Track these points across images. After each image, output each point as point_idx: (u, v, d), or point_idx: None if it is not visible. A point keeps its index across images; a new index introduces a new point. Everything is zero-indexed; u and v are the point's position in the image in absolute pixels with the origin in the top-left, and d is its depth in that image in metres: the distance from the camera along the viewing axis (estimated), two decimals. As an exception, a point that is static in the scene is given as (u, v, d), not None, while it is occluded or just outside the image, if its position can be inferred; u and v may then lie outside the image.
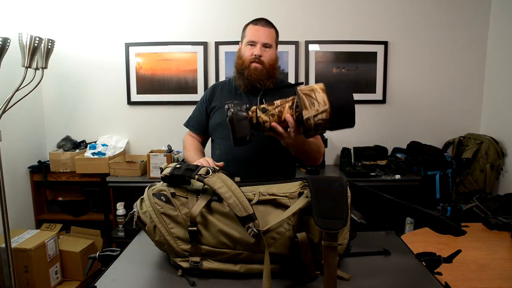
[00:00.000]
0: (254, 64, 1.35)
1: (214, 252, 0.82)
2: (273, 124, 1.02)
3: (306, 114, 0.94)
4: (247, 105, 1.05)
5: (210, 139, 1.56)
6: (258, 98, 1.06)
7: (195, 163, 1.05)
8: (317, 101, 0.94)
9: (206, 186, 0.80)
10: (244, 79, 1.37)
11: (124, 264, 0.91)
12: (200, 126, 1.51)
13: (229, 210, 0.79)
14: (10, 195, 2.28)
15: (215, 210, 0.81)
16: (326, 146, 2.41)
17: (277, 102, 1.04)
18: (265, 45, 1.37)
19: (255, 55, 1.35)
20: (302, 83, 1.07)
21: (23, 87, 2.01)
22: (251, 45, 1.37)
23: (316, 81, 2.84)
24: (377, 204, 0.98)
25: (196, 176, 0.80)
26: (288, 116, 1.00)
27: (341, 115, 0.94)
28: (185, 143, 1.52)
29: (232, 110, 1.03)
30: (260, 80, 1.36)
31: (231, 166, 1.34)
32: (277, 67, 1.42)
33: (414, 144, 2.79)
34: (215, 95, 1.49)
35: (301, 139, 1.10)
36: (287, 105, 1.02)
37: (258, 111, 1.03)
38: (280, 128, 1.02)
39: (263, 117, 1.03)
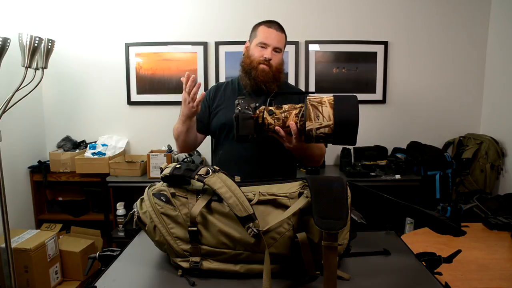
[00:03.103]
0: (262, 66, 1.35)
1: (214, 252, 0.82)
2: (277, 128, 1.05)
3: (309, 125, 0.96)
4: (256, 104, 1.07)
5: (211, 139, 1.56)
6: (268, 99, 1.08)
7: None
8: (322, 115, 0.95)
9: (206, 186, 0.80)
10: (251, 79, 1.37)
11: (124, 264, 0.91)
12: (199, 122, 1.49)
13: (229, 210, 0.79)
14: (10, 195, 2.28)
15: (215, 210, 0.81)
16: (326, 146, 2.41)
17: (285, 107, 1.06)
18: (276, 49, 1.37)
19: (265, 57, 1.35)
20: (313, 92, 1.09)
21: (23, 87, 2.01)
22: (262, 47, 1.37)
23: (316, 81, 2.85)
24: (377, 204, 0.98)
25: (196, 176, 0.80)
26: (292, 123, 1.02)
27: (344, 133, 0.95)
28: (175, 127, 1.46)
29: (239, 108, 1.06)
30: (266, 82, 1.36)
31: (234, 165, 1.35)
32: (283, 71, 1.42)
33: (414, 144, 2.79)
34: (218, 94, 1.48)
35: (303, 145, 1.11)
36: (293, 112, 1.04)
37: (265, 112, 1.06)
38: (282, 133, 1.05)
39: (269, 119, 1.05)
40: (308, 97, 0.98)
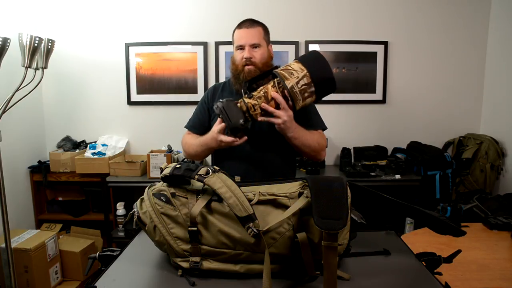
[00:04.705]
0: (247, 67, 1.36)
1: (214, 252, 0.82)
2: (263, 105, 1.10)
3: (289, 83, 1.05)
4: (233, 99, 1.15)
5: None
6: (242, 90, 1.15)
7: (207, 137, 1.25)
8: (294, 70, 1.06)
9: (206, 186, 0.80)
10: (241, 83, 1.37)
11: (124, 264, 0.91)
12: (200, 126, 1.50)
13: (229, 210, 0.79)
14: (10, 195, 2.28)
15: (215, 210, 0.81)
16: (326, 145, 2.41)
17: (260, 87, 1.13)
18: (253, 46, 1.37)
19: (245, 58, 1.35)
20: (279, 66, 1.17)
21: (23, 87, 2.01)
22: (240, 49, 1.38)
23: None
24: (377, 204, 0.98)
25: (196, 176, 0.80)
26: (273, 93, 1.09)
27: (320, 73, 1.05)
28: (186, 140, 1.48)
29: (221, 100, 1.13)
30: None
31: (234, 165, 1.35)
32: (271, 64, 1.41)
33: (414, 144, 2.79)
34: (216, 95, 1.49)
35: (298, 128, 1.17)
36: (269, 85, 1.11)
37: (244, 99, 1.12)
38: (270, 108, 1.10)
39: (251, 101, 1.11)
40: (274, 70, 1.10)
